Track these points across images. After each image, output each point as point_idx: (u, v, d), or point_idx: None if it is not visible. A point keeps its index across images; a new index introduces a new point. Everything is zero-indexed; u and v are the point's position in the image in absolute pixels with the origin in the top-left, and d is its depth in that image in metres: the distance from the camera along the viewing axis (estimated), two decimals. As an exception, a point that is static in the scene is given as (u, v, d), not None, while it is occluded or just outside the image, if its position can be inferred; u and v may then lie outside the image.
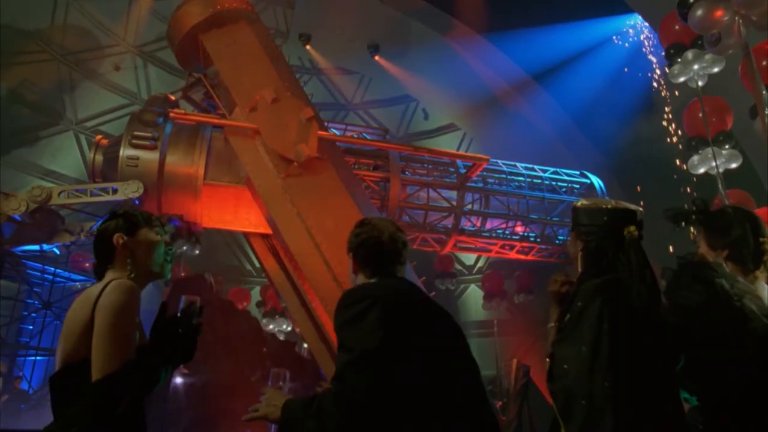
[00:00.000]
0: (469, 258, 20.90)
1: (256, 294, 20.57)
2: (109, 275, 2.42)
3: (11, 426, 12.46)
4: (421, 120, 19.05)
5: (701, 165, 7.62)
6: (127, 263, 2.46)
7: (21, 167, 16.62)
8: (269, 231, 9.07)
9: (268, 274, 10.73)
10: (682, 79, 7.21)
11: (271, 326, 17.51)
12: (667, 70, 7.94)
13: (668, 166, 12.87)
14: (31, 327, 15.64)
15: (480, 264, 21.09)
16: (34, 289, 13.38)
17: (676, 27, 7.12)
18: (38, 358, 15.42)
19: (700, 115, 7.37)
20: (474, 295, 21.11)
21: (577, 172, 11.50)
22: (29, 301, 15.12)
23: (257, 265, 23.26)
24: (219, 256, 22.72)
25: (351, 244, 2.67)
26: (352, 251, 2.65)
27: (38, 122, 16.34)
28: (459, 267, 20.66)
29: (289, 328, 17.59)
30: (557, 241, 10.97)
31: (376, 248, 2.55)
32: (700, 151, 7.38)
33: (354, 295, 2.32)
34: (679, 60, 7.10)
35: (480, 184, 10.39)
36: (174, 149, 8.58)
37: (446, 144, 18.34)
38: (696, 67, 6.94)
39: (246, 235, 10.81)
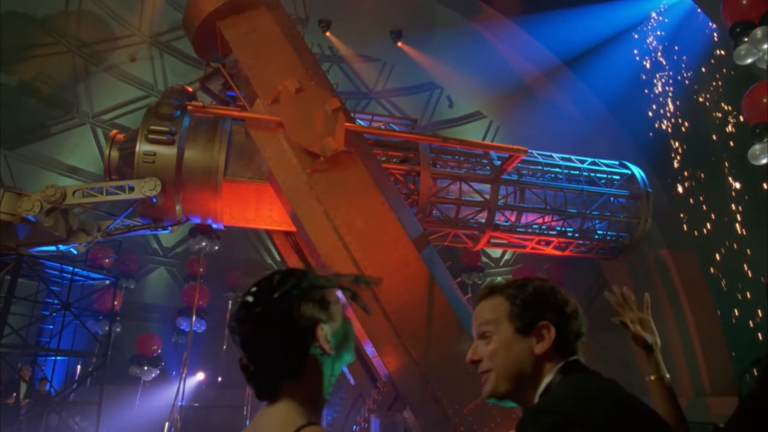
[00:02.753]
0: (496, 250, 20.29)
1: (277, 288, 20.17)
2: (292, 409, 1.44)
3: (34, 431, 12.27)
4: (445, 108, 18.39)
5: (764, 155, 6.93)
6: (319, 381, 1.51)
7: (40, 163, 16.37)
8: (293, 228, 8.60)
9: (291, 272, 10.28)
10: (749, 60, 6.52)
11: (293, 323, 17.11)
12: (717, 53, 7.25)
13: (714, 156, 12.15)
14: (51, 327, 15.43)
15: (507, 257, 20.48)
16: (53, 288, 13.11)
17: (743, 2, 6.42)
18: (59, 358, 15.24)
19: (766, 100, 6.66)
20: (501, 288, 20.50)
21: (616, 162, 10.82)
22: (48, 300, 14.90)
23: (278, 258, 22.96)
24: (238, 250, 22.38)
25: (547, 308, 1.72)
26: (550, 320, 1.67)
27: (54, 116, 16.02)
28: (485, 260, 20.08)
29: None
30: (596, 236, 10.33)
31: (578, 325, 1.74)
32: (765, 140, 6.68)
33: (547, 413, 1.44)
34: (746, 39, 6.40)
35: (514, 177, 9.78)
36: (192, 144, 8.10)
37: (472, 133, 17.69)
38: (766, 46, 6.24)
39: (268, 231, 10.36)
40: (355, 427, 7.14)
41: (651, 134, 13.48)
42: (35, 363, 14.95)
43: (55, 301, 14.04)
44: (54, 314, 14.25)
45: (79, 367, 16.58)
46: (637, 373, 16.28)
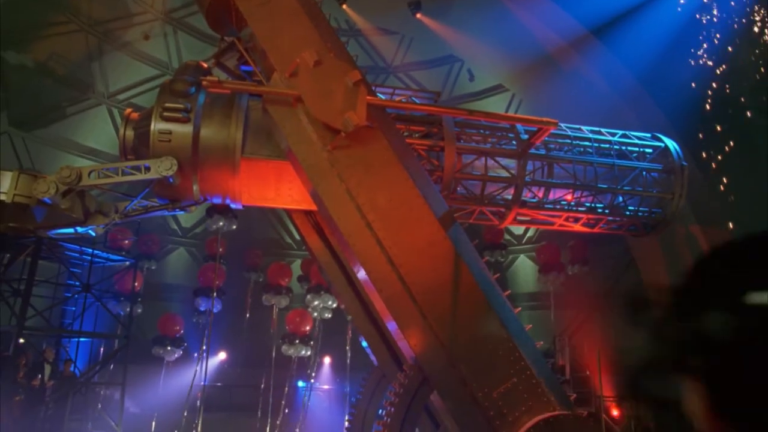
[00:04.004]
0: (518, 228, 19.91)
1: (296, 268, 20.10)
2: None
3: (60, 412, 12.38)
4: (466, 82, 17.90)
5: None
6: None
7: (58, 145, 16.33)
8: (314, 207, 8.34)
9: (312, 251, 10.08)
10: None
11: (315, 302, 16.99)
12: (755, 18, 6.73)
13: (750, 128, 11.59)
14: (73, 308, 15.50)
15: (530, 234, 20.10)
16: (73, 270, 13.10)
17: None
18: (82, 339, 15.34)
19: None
20: (524, 266, 20.21)
21: (649, 135, 10.33)
22: (70, 282, 14.95)
23: (297, 237, 22.84)
24: (258, 230, 22.31)
25: None
26: None
27: (70, 97, 15.88)
28: (508, 237, 19.74)
29: (335, 305, 17.06)
30: (627, 213, 9.90)
31: None
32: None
33: None
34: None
35: (542, 151, 9.36)
36: (208, 121, 7.82)
37: (493, 107, 17.20)
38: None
39: (288, 210, 10.14)
40: (381, 411, 6.94)
41: (683, 106, 12.93)
42: (59, 345, 15.08)
43: (77, 283, 14.08)
44: (76, 296, 14.31)
45: (102, 348, 16.71)
46: (665, 352, 15.91)
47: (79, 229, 8.87)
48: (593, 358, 15.49)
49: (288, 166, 7.81)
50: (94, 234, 9.40)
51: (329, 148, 6.89)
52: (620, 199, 9.74)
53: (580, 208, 9.73)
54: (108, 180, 7.88)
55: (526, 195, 9.39)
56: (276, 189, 8.28)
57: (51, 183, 7.62)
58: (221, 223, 16.83)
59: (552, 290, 16.51)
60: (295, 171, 7.63)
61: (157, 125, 7.72)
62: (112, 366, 15.63)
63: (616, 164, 9.50)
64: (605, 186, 9.48)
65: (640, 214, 9.94)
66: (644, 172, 9.67)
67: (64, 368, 13.27)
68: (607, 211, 9.83)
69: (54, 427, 12.82)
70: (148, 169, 7.70)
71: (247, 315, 19.64)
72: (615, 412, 14.55)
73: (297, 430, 16.86)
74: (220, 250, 17.38)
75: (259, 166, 7.96)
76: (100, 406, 14.57)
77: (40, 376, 12.19)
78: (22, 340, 13.88)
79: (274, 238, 23.06)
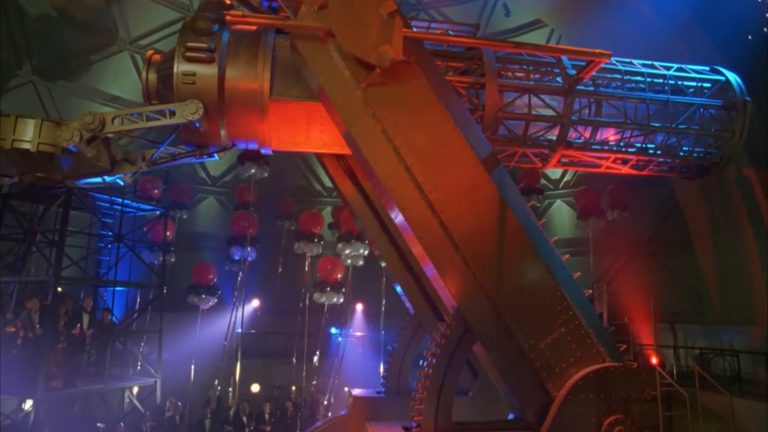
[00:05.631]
0: (554, 171, 19.19)
1: (327, 216, 19.88)
2: None
3: (101, 359, 12.62)
4: (501, 17, 16.88)
5: None
6: None
7: (83, 94, 16.12)
8: (346, 151, 7.91)
9: (344, 197, 9.72)
10: None
11: (347, 250, 16.79)
12: None
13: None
14: (107, 258, 15.64)
15: (567, 178, 19.39)
16: (105, 221, 13.07)
17: None
18: (117, 289, 15.51)
19: None
20: (560, 211, 19.62)
21: (707, 68, 9.50)
22: (102, 232, 15.00)
23: (327, 184, 22.56)
24: (287, 178, 22.06)
25: None
26: None
27: (92, 44, 15.51)
28: (544, 182, 19.08)
29: (366, 252, 16.85)
30: (681, 153, 9.23)
31: None
32: None
33: None
34: None
35: (590, 88, 8.68)
36: (234, 61, 7.35)
37: (531, 44, 16.23)
38: None
39: (318, 155, 9.75)
40: (422, 361, 6.68)
41: (741, 41, 11.90)
42: (97, 294, 15.30)
43: (109, 233, 14.11)
44: (109, 246, 14.38)
45: (138, 297, 16.94)
46: (708, 301, 15.39)
47: (107, 178, 8.66)
48: (632, 305, 15.11)
49: (319, 107, 7.34)
50: (122, 183, 9.19)
51: (363, 85, 6.39)
52: (674, 138, 9.06)
53: (629, 149, 9.10)
54: (132, 126, 7.56)
55: (572, 135, 8.79)
56: (306, 132, 7.86)
57: (74, 130, 7.32)
58: (253, 171, 16.56)
59: (591, 236, 15.96)
60: (327, 112, 7.16)
61: (180, 67, 7.28)
62: (148, 315, 15.86)
63: (670, 101, 8.78)
64: (658, 125, 8.80)
65: (694, 155, 9.25)
66: (701, 109, 8.92)
67: (102, 317, 13.45)
68: (659, 152, 9.17)
69: (97, 372, 13.14)
70: (173, 113, 7.34)
71: (280, 263, 19.66)
72: (654, 360, 14.23)
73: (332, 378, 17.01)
74: (252, 199, 17.19)
75: (288, 108, 7.52)
76: (142, 348, 14.85)
77: (79, 324, 12.37)
78: (60, 289, 14.12)
79: (303, 186, 22.81)
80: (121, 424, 12.44)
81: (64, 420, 13.54)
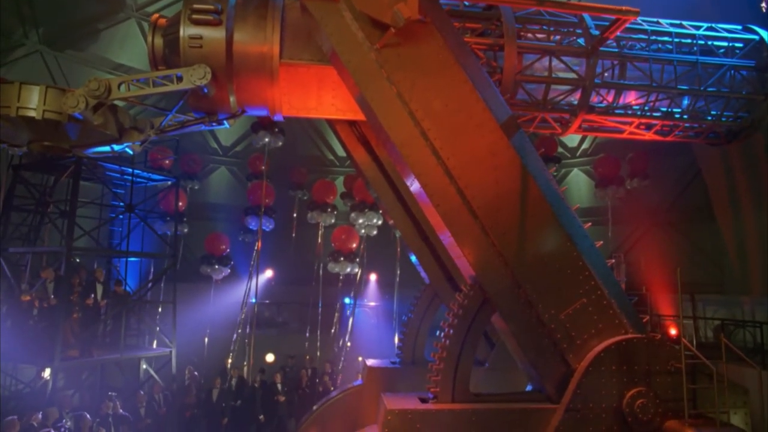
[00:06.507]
0: (572, 139, 18.75)
1: (340, 185, 19.68)
2: None
3: (117, 329, 12.67)
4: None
5: None
6: None
7: (90, 63, 15.88)
8: (359, 117, 7.65)
9: (357, 165, 9.49)
10: None
11: (360, 220, 16.60)
12: None
13: None
14: (120, 229, 15.60)
15: (585, 146, 18.94)
16: (116, 191, 12.96)
17: None
18: (131, 259, 15.50)
19: None
20: (577, 180, 19.23)
21: (739, 27, 9.03)
22: (114, 203, 14.93)
23: (339, 154, 22.29)
24: (299, 147, 21.82)
25: None
26: None
27: (99, 11, 15.22)
28: (561, 150, 18.66)
29: (380, 222, 16.66)
30: (709, 117, 8.85)
31: None
32: None
33: None
34: None
35: (614, 49, 8.29)
36: (242, 24, 7.07)
37: (549, 7, 15.65)
38: None
39: (330, 122, 9.49)
40: (438, 332, 6.52)
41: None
42: (110, 265, 15.33)
43: (120, 204, 14.04)
44: (121, 217, 14.32)
45: (152, 269, 16.97)
46: (729, 271, 15.06)
47: (116, 147, 8.50)
48: (650, 275, 14.83)
49: (331, 70, 7.06)
50: (131, 152, 9.02)
51: (377, 46, 6.10)
52: (702, 102, 8.68)
53: (654, 114, 8.75)
54: (139, 92, 7.34)
55: (594, 99, 8.46)
56: (318, 97, 7.59)
57: (80, 97, 7.13)
58: (267, 140, 16.30)
59: (609, 205, 15.62)
60: (340, 75, 6.89)
61: (186, 30, 7.03)
62: (162, 285, 15.89)
63: (699, 62, 8.38)
64: (686, 87, 8.42)
65: (723, 119, 8.87)
66: (732, 71, 8.51)
67: (115, 287, 13.47)
68: (685, 116, 8.82)
69: (113, 342, 13.23)
70: (180, 78, 7.10)
71: (293, 232, 19.58)
72: (673, 331, 14.03)
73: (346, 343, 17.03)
74: (264, 168, 17.01)
75: (299, 72, 7.24)
76: (159, 319, 14.92)
77: (93, 295, 12.39)
78: (78, 260, 14.16)
79: (315, 155, 22.56)
80: (141, 392, 12.57)
81: (81, 388, 13.72)
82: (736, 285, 14.56)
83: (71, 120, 7.48)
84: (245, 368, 14.90)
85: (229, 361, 15.17)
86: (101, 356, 12.70)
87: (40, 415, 9.55)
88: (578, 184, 19.15)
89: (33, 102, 7.29)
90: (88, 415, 10.29)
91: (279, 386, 14.25)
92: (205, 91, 7.16)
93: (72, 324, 12.09)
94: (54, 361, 11.33)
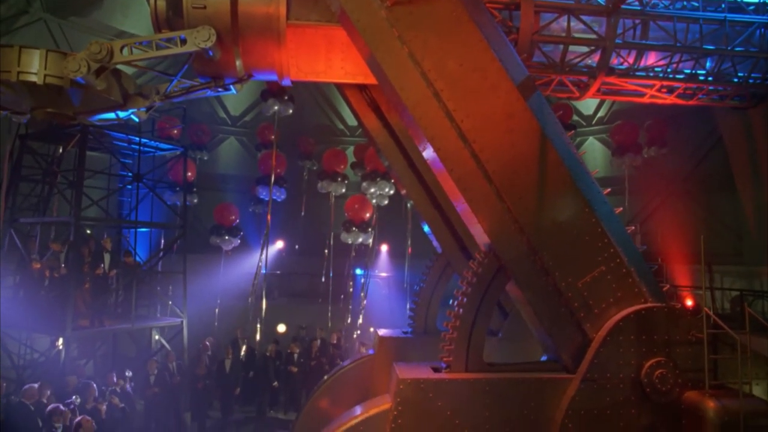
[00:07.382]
0: (587, 107, 18.28)
1: (350, 155, 19.44)
2: None
3: (128, 299, 12.66)
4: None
5: None
6: None
7: (95, 31, 15.57)
8: (370, 81, 7.37)
9: (368, 132, 9.23)
10: None
11: (372, 189, 16.37)
12: None
13: None
14: (129, 200, 15.52)
15: (601, 114, 18.48)
16: (123, 161, 12.81)
17: None
18: (140, 230, 15.44)
19: None
20: (592, 148, 18.83)
21: (770, -18, 8.58)
22: (122, 173, 14.81)
23: (349, 123, 21.98)
24: (308, 116, 21.52)
25: None
26: None
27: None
28: (576, 118, 18.21)
29: (392, 192, 16.43)
30: (735, 79, 8.48)
31: None
32: None
33: None
34: None
35: (637, 7, 7.91)
36: (247, -18, 6.77)
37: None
38: None
39: (340, 87, 9.20)
40: (451, 300, 6.37)
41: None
42: (120, 235, 15.29)
43: (128, 174, 13.92)
44: (130, 187, 14.20)
45: (162, 239, 16.94)
46: (749, 241, 14.72)
47: (121, 114, 8.30)
48: (667, 245, 14.56)
49: (340, 31, 6.78)
50: (137, 119, 8.81)
51: (388, 4, 5.83)
52: (728, 63, 8.30)
53: (677, 76, 8.39)
54: (142, 56, 7.10)
55: (614, 61, 8.12)
56: (327, 60, 7.31)
57: (81, 60, 6.90)
58: (276, 108, 16.01)
59: (626, 174, 15.26)
60: (349, 36, 6.61)
61: (190, -10, 6.74)
62: (173, 256, 15.86)
63: (727, 19, 7.97)
64: (712, 47, 8.04)
65: (750, 81, 8.49)
66: (762, 29, 8.10)
67: (125, 257, 13.44)
68: (710, 78, 8.45)
69: (125, 312, 13.27)
70: (183, 41, 6.84)
71: (303, 203, 19.43)
72: (689, 302, 13.81)
73: (359, 315, 17.00)
74: (273, 137, 16.76)
75: (307, 34, 6.96)
76: (171, 290, 14.93)
77: (102, 265, 12.36)
78: (89, 232, 14.13)
79: (325, 124, 22.28)
80: (155, 358, 12.65)
81: (95, 358, 13.83)
82: (755, 255, 14.26)
83: (74, 85, 7.28)
84: (255, 339, 14.93)
85: (239, 331, 15.21)
86: (113, 326, 12.75)
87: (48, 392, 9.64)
88: (593, 152, 18.75)
89: (34, 66, 7.08)
90: (94, 384, 10.36)
91: (295, 356, 14.28)
92: (210, 54, 6.92)
93: (83, 294, 12.11)
94: (66, 331, 11.38)
